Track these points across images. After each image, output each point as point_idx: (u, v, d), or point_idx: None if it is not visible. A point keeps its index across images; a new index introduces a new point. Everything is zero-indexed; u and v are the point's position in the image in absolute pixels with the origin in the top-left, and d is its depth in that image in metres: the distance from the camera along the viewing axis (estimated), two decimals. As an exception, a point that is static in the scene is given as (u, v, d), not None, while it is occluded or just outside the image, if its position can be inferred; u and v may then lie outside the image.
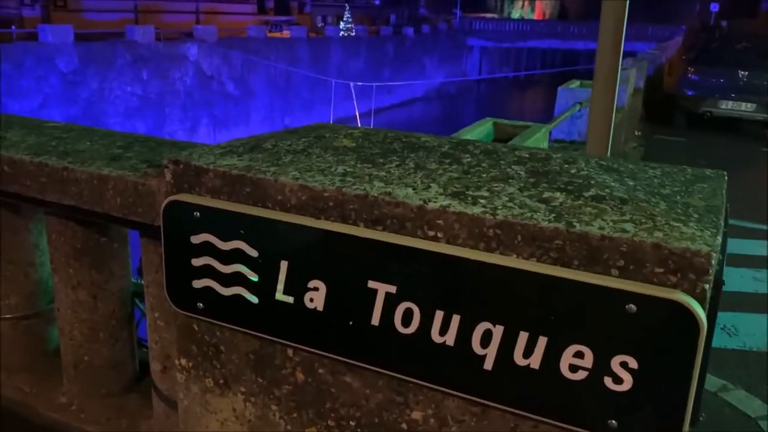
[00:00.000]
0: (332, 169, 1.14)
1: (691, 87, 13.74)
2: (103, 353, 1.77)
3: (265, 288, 1.14)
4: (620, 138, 8.36)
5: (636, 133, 11.97)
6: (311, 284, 1.09)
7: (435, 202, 1.00)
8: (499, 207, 0.96)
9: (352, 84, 20.22)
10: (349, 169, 1.14)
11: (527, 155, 1.20)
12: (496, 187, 1.04)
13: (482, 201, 0.99)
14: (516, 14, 75.60)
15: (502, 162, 1.16)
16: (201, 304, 1.22)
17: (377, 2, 60.92)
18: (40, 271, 1.90)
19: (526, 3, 78.05)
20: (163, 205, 1.20)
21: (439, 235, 0.99)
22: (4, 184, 1.58)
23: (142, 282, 1.85)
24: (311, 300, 1.10)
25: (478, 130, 3.22)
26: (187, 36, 26.41)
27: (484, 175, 1.09)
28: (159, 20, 33.81)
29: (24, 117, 1.96)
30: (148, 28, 24.18)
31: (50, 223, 1.67)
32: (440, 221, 0.99)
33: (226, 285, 1.18)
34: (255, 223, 1.13)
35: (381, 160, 1.18)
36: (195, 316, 1.25)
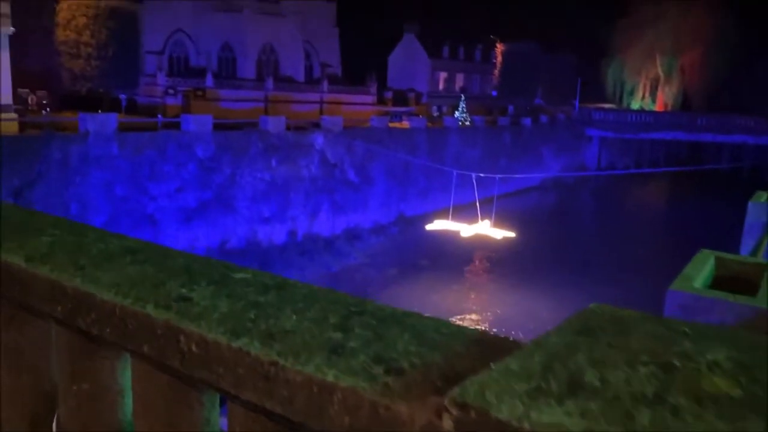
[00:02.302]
0: (743, 454, 0.68)
1: None
2: None
3: None
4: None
5: None
6: None
7: None
8: None
9: (474, 175, 20.01)
10: (774, 458, 0.67)
11: None
12: None
13: None
14: (635, 105, 74.05)
15: None
16: None
17: (494, 93, 61.68)
18: (209, 450, 1.53)
19: (647, 94, 76.35)
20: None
21: None
22: (190, 367, 1.24)
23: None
24: None
25: (699, 268, 2.65)
26: (314, 126, 27.63)
27: None
28: (287, 109, 35.83)
29: (204, 259, 1.66)
30: (279, 119, 25.52)
31: (235, 412, 1.31)
32: None
33: None
34: None
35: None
36: None
